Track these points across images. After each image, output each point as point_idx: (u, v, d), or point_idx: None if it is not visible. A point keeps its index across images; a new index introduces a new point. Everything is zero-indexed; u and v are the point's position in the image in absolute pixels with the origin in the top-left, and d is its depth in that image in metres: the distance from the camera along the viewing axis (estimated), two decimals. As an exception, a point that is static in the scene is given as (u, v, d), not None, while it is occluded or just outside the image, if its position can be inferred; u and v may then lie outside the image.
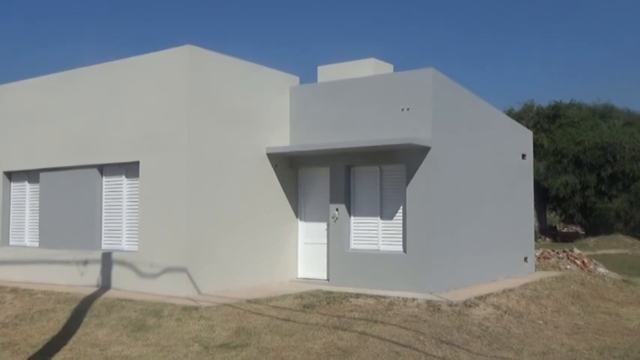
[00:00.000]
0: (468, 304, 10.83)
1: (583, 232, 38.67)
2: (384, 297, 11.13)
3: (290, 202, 14.06)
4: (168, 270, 11.76)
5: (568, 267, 17.14)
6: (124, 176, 13.10)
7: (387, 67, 15.11)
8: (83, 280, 13.05)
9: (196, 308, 10.29)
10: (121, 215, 13.07)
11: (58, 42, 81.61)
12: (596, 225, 37.08)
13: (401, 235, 12.69)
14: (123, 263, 12.50)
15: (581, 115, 39.17)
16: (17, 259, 14.42)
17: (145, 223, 12.34)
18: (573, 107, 39.96)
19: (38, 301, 11.44)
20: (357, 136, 12.86)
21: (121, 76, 13.01)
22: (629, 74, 77.59)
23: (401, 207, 12.77)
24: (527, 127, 21.14)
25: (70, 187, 13.80)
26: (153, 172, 12.29)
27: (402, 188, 12.62)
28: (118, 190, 13.20)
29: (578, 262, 17.68)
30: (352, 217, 13.45)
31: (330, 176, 13.64)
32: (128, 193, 13.02)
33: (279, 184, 13.79)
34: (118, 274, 12.54)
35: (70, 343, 8.88)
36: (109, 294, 11.78)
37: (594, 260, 18.48)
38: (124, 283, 12.35)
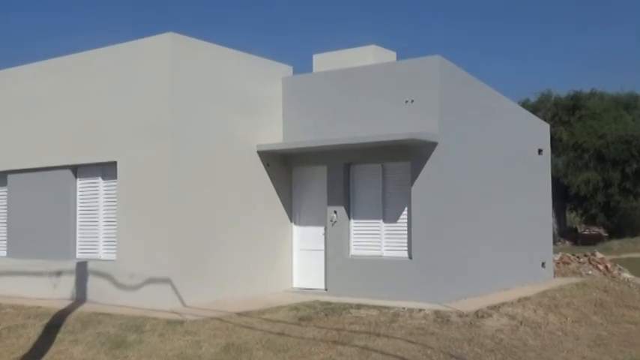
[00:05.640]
0: (479, 314, 10.86)
1: (606, 234, 38.78)
2: (388, 308, 11.15)
3: (283, 205, 14.06)
4: (149, 281, 11.75)
5: (590, 272, 17.19)
6: (100, 178, 13.09)
7: (389, 55, 15.13)
8: (56, 292, 13.03)
9: (181, 322, 10.29)
10: (98, 221, 13.05)
11: (25, 32, 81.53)
12: (620, 226, 37.19)
13: (406, 240, 12.71)
14: (100, 274, 12.48)
15: (603, 105, 39.29)
16: (-17, 271, 14.39)
17: (124, 229, 12.33)
18: (594, 97, 40.08)
19: (7, 316, 11.43)
20: (357, 131, 12.87)
21: (97, 68, 12.99)
22: (655, 60, 77.69)
23: (405, 208, 12.79)
24: (544, 120, 21.19)
25: (41, 191, 13.78)
26: (132, 173, 12.28)
27: (407, 188, 12.63)
28: (94, 193, 13.18)
29: (601, 267, 17.74)
30: (352, 221, 13.46)
31: (327, 175, 13.65)
32: (105, 196, 13.00)
33: (271, 185, 13.80)
34: (95, 286, 12.52)
35: (42, 362, 8.88)
36: (85, 308, 11.77)
37: (618, 265, 18.54)
38: (101, 295, 12.33)
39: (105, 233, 12.94)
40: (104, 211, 13.00)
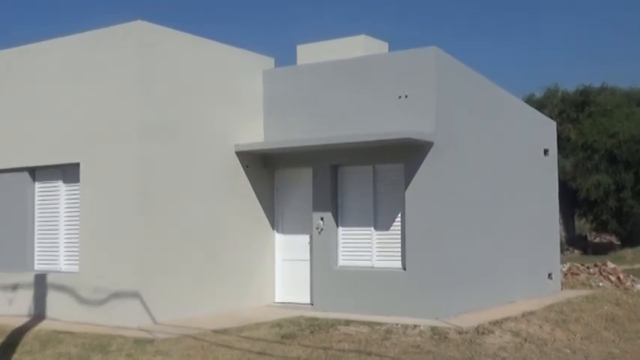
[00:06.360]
0: (480, 330, 10.90)
1: (618, 242, 39.02)
2: (380, 324, 11.17)
3: (265, 211, 14.06)
4: (116, 295, 11.70)
5: (600, 284, 17.32)
6: (61, 181, 13.04)
7: (380, 46, 15.16)
8: (12, 308, 12.95)
9: (151, 341, 10.27)
10: (58, 229, 13.00)
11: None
12: (633, 233, 37.41)
13: (399, 249, 12.74)
14: (60, 287, 12.41)
15: (615, 101, 39.50)
16: None
17: (87, 238, 12.28)
18: (605, 92, 40.30)
19: (-44, 335, 11.34)
20: (345, 129, 12.89)
21: (58, 59, 12.93)
22: (671, 52, 78.44)
23: (399, 214, 12.82)
24: (551, 117, 21.33)
25: (-5, 195, 13.70)
26: (96, 176, 12.23)
27: (400, 192, 12.66)
28: (53, 198, 13.12)
29: (613, 278, 17.88)
30: (340, 228, 13.47)
31: (312, 178, 13.66)
32: (66, 201, 12.95)
33: (251, 189, 13.79)
34: (55, 301, 12.46)
35: (-4, 386, 8.82)
36: (44, 325, 11.72)
37: (632, 276, 18.67)
38: (61, 311, 12.27)
39: (66, 242, 12.89)
40: (65, 218, 12.94)
